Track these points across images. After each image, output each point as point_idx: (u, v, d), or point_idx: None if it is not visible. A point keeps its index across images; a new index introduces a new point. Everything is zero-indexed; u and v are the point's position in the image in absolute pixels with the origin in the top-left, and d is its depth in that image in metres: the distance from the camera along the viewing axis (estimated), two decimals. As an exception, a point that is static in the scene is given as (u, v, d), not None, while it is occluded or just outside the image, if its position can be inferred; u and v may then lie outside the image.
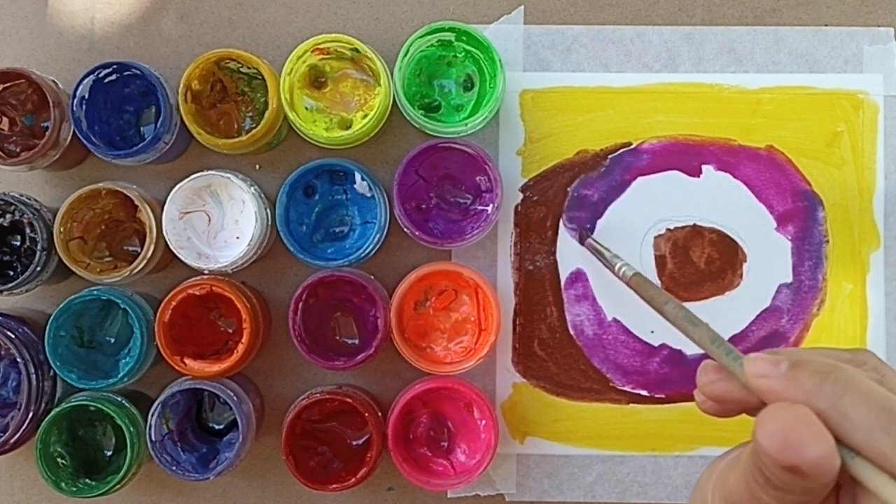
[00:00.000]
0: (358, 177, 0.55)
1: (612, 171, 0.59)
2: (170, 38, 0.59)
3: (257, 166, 0.59)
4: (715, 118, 0.59)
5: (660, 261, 0.58)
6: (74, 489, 0.53)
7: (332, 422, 0.57)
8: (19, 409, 0.53)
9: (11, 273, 0.55)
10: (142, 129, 0.58)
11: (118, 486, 0.53)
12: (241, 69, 0.56)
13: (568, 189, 0.59)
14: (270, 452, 0.58)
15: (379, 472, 0.56)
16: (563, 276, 0.58)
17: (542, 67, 0.59)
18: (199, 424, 0.57)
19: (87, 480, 0.54)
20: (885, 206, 0.58)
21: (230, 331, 0.57)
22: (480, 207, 0.57)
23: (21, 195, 0.54)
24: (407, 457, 0.54)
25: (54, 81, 0.55)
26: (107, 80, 0.54)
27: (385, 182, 0.57)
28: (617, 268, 0.49)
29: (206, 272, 0.54)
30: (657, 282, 0.58)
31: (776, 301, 0.58)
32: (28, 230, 0.54)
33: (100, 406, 0.52)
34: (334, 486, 0.53)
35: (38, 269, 0.53)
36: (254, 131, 0.53)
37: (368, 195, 0.56)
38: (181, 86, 0.53)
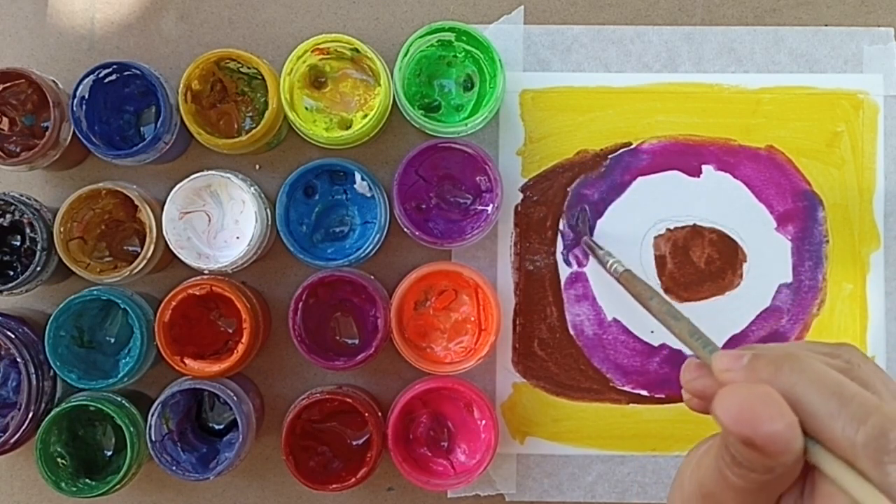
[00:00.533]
0: (358, 177, 0.55)
1: (612, 171, 0.59)
2: (170, 38, 0.59)
3: (257, 166, 0.59)
4: (715, 118, 0.59)
5: (660, 261, 0.58)
6: (74, 489, 0.53)
7: (332, 422, 0.57)
8: (19, 409, 0.53)
9: (11, 273, 0.55)
10: (142, 129, 0.58)
11: (118, 486, 0.53)
12: (241, 69, 0.56)
13: (568, 189, 0.59)
14: (270, 452, 0.58)
15: (379, 472, 0.56)
16: (563, 276, 0.58)
17: (542, 67, 0.59)
18: (199, 424, 0.57)
19: (87, 480, 0.54)
20: (885, 206, 0.58)
21: (230, 331, 0.57)
22: (480, 207, 0.57)
23: (21, 195, 0.54)
24: (407, 457, 0.54)
25: (54, 81, 0.55)
26: (107, 80, 0.54)
27: (385, 182, 0.57)
28: (608, 264, 0.50)
29: (206, 272, 0.54)
30: (657, 282, 0.58)
31: (776, 301, 0.58)
32: (28, 230, 0.54)
33: (100, 406, 0.52)
34: (334, 486, 0.53)
35: (38, 269, 0.53)
36: (254, 131, 0.53)
37: (368, 195, 0.56)
38: (181, 86, 0.53)
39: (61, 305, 0.53)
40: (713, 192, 0.58)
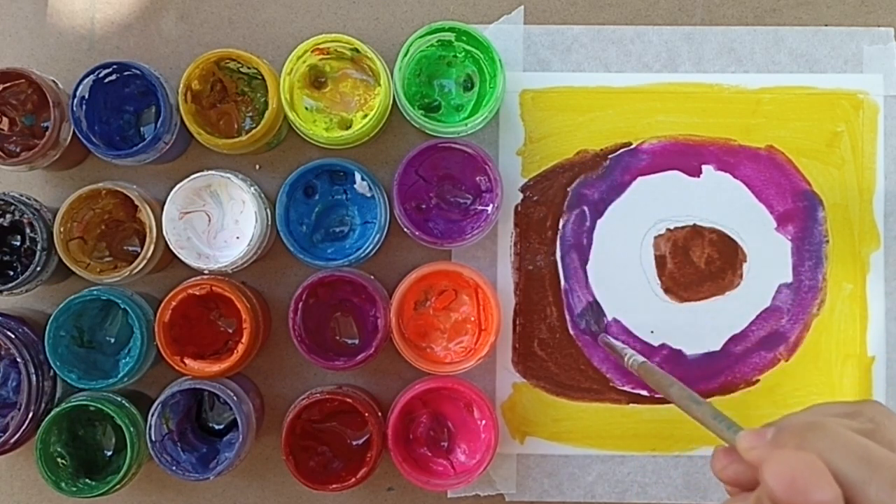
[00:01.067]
0: (358, 177, 0.55)
1: (612, 171, 0.59)
2: (170, 38, 0.59)
3: (257, 166, 0.59)
4: (715, 118, 0.59)
5: (660, 261, 0.58)
6: (74, 489, 0.53)
7: (332, 422, 0.57)
8: (19, 409, 0.53)
9: (11, 273, 0.55)
10: (142, 129, 0.58)
11: (118, 486, 0.53)
12: (241, 69, 0.56)
13: (568, 189, 0.59)
14: (270, 452, 0.58)
15: (379, 472, 0.56)
16: (563, 275, 0.58)
17: (542, 67, 0.59)
18: (199, 424, 0.57)
19: (87, 480, 0.54)
20: (885, 206, 0.58)
21: (230, 331, 0.57)
22: (480, 207, 0.57)
23: (21, 195, 0.54)
24: (407, 457, 0.54)
25: (54, 81, 0.55)
26: (107, 80, 0.54)
27: (385, 182, 0.57)
28: (626, 359, 0.51)
29: (206, 272, 0.54)
30: (657, 282, 0.58)
31: (776, 301, 0.58)
32: (28, 230, 0.54)
33: (100, 406, 0.52)
34: (334, 486, 0.53)
35: (38, 269, 0.53)
36: (254, 131, 0.53)
37: (368, 195, 0.56)
38: (181, 86, 0.53)
39: (61, 305, 0.53)
40: (713, 192, 0.58)
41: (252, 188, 0.54)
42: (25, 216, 0.53)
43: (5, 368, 0.56)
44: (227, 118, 0.57)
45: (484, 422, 0.55)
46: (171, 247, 0.53)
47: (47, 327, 0.52)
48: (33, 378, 0.53)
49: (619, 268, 0.58)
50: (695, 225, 0.59)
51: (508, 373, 0.58)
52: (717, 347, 0.58)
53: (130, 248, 0.56)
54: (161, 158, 0.55)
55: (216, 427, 0.58)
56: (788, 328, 0.58)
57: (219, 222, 0.55)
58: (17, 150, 0.55)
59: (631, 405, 0.58)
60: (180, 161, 0.59)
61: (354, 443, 0.57)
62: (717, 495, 0.58)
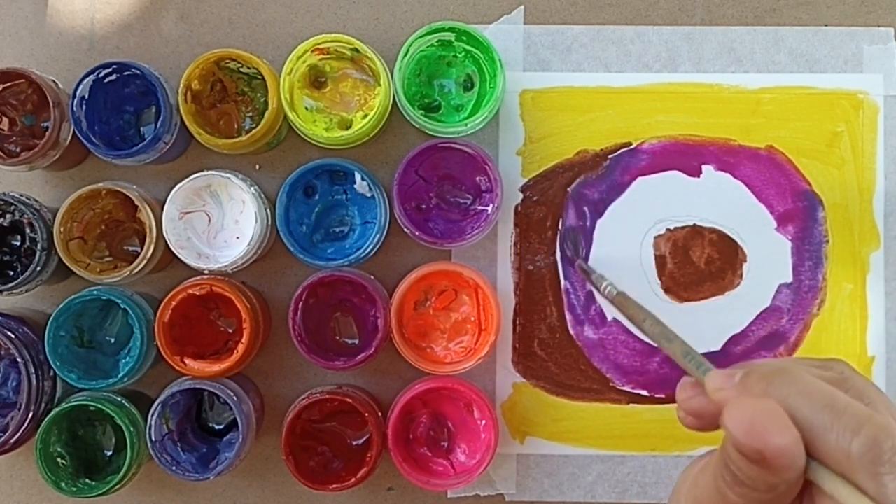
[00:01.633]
0: (358, 177, 0.55)
1: (612, 171, 0.59)
2: (170, 38, 0.59)
3: (257, 166, 0.59)
4: (715, 118, 0.59)
5: (660, 261, 0.58)
6: (74, 489, 0.53)
7: (332, 422, 0.57)
8: (19, 409, 0.53)
9: (11, 273, 0.55)
10: (142, 129, 0.58)
11: (118, 486, 0.53)
12: (241, 69, 0.56)
13: (568, 189, 0.59)
14: (270, 452, 0.58)
15: (379, 472, 0.56)
16: (563, 276, 0.58)
17: (542, 67, 0.59)
18: (199, 424, 0.57)
19: (87, 480, 0.54)
20: (885, 206, 0.58)
21: (230, 331, 0.57)
22: (480, 207, 0.57)
23: (21, 195, 0.54)
24: (407, 457, 0.54)
25: (54, 81, 0.55)
26: (107, 80, 0.54)
27: (385, 182, 0.57)
28: (602, 287, 0.51)
29: (206, 272, 0.54)
30: (657, 282, 0.58)
31: (776, 301, 0.58)
32: (28, 230, 0.54)
33: (100, 406, 0.52)
34: (334, 486, 0.53)
35: (38, 269, 0.53)
36: (254, 131, 0.53)
37: (368, 195, 0.56)
38: (181, 86, 0.53)
39: (61, 305, 0.53)
40: (713, 192, 0.58)
41: (252, 188, 0.54)
42: (25, 216, 0.53)
43: (5, 368, 0.56)
44: (227, 118, 0.57)
45: (484, 422, 0.55)
46: (171, 247, 0.53)
47: (47, 327, 0.52)
48: (33, 378, 0.53)
49: (619, 268, 0.58)
50: (695, 225, 0.59)
51: (508, 373, 0.58)
52: (717, 347, 0.58)
53: (130, 248, 0.56)
54: (161, 158, 0.55)
55: (216, 427, 0.58)
56: (788, 328, 0.58)
57: (219, 222, 0.55)
58: (17, 150, 0.55)
59: (631, 405, 0.58)
60: (180, 161, 0.59)
61: (354, 443, 0.57)
62: (717, 495, 0.58)
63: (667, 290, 0.58)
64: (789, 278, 0.58)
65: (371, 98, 0.56)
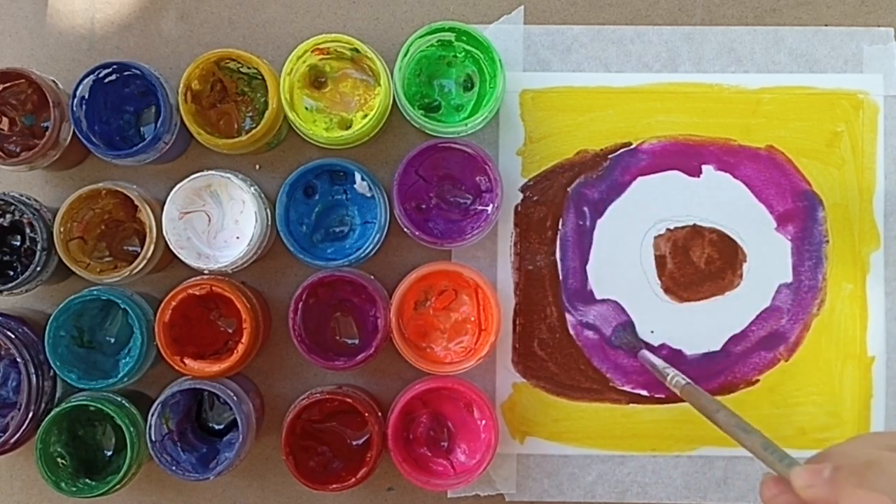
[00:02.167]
0: (358, 177, 0.55)
1: (612, 171, 0.59)
2: (170, 38, 0.59)
3: (257, 166, 0.59)
4: (715, 118, 0.59)
5: (660, 261, 0.58)
6: (74, 489, 0.53)
7: (332, 422, 0.57)
8: (19, 409, 0.53)
9: (11, 273, 0.55)
10: (142, 129, 0.58)
11: (118, 486, 0.53)
12: (241, 69, 0.56)
13: (568, 189, 0.59)
14: (270, 452, 0.58)
15: (379, 472, 0.56)
16: (563, 276, 0.58)
17: (542, 67, 0.59)
18: (199, 424, 0.57)
19: (87, 480, 0.54)
20: (885, 206, 0.58)
21: (230, 331, 0.57)
22: (480, 207, 0.57)
23: (21, 195, 0.54)
24: (407, 457, 0.54)
25: (54, 81, 0.55)
26: (107, 80, 0.54)
27: (385, 182, 0.57)
28: (669, 378, 0.50)
29: (206, 272, 0.54)
30: (657, 282, 0.58)
31: (776, 301, 0.58)
32: (28, 230, 0.54)
33: (100, 406, 0.52)
34: (334, 486, 0.53)
35: (38, 269, 0.53)
36: (254, 131, 0.53)
37: (368, 195, 0.56)
38: (181, 86, 0.53)
39: (61, 305, 0.53)
40: (713, 192, 0.58)
41: (252, 188, 0.54)
42: (25, 216, 0.53)
43: (5, 368, 0.56)
44: (227, 118, 0.57)
45: (484, 422, 0.55)
46: (171, 247, 0.53)
47: (47, 327, 0.52)
48: (33, 378, 0.53)
49: (620, 268, 0.58)
50: (695, 225, 0.59)
51: (508, 373, 0.58)
52: (717, 347, 0.58)
53: (130, 248, 0.56)
54: (161, 158, 0.55)
55: (216, 427, 0.58)
56: (788, 328, 0.58)
57: (219, 222, 0.55)
58: (17, 150, 0.55)
59: (631, 405, 0.58)
60: (180, 161, 0.59)
61: (354, 443, 0.57)
62: (717, 495, 0.58)
63: (667, 290, 0.58)
64: (789, 278, 0.58)
65: (371, 98, 0.56)
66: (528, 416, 0.58)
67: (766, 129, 0.59)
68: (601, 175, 0.59)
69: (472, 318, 0.56)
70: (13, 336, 0.53)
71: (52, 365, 0.53)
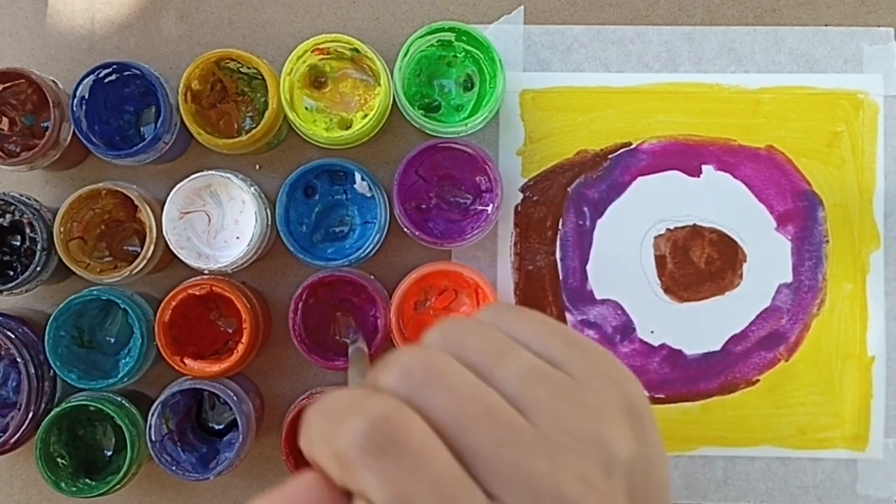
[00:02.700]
0: (358, 177, 0.55)
1: (612, 171, 0.59)
2: (170, 38, 0.59)
3: (257, 166, 0.59)
4: (715, 118, 0.59)
5: (660, 261, 0.58)
6: (74, 489, 0.53)
7: (332, 422, 0.57)
8: (19, 409, 0.53)
9: (11, 273, 0.55)
10: (142, 129, 0.58)
11: (118, 486, 0.53)
12: (241, 69, 0.56)
13: (568, 189, 0.59)
14: (270, 452, 0.58)
15: (379, 472, 0.56)
16: (563, 276, 0.58)
17: (542, 67, 0.59)
18: (199, 424, 0.57)
19: (87, 480, 0.54)
20: (885, 206, 0.58)
21: (230, 331, 0.57)
22: (480, 207, 0.57)
23: (21, 195, 0.54)
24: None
25: (54, 81, 0.55)
26: (107, 80, 0.54)
27: (385, 182, 0.57)
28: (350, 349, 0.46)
29: (206, 272, 0.54)
30: (657, 282, 0.58)
31: (776, 301, 0.58)
32: (28, 230, 0.54)
33: (100, 406, 0.52)
34: (334, 486, 0.52)
35: (38, 269, 0.53)
36: (254, 131, 0.53)
37: (368, 195, 0.56)
38: (181, 86, 0.53)
39: (61, 305, 0.53)
40: (713, 192, 0.58)
41: (252, 188, 0.54)
42: (25, 216, 0.53)
43: (5, 368, 0.56)
44: (227, 118, 0.57)
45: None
46: (171, 247, 0.53)
47: (47, 327, 0.52)
48: (33, 378, 0.53)
49: (619, 268, 0.58)
50: (695, 225, 0.59)
51: (508, 373, 0.58)
52: (717, 347, 0.58)
53: (130, 248, 0.56)
54: (161, 158, 0.55)
55: (216, 427, 0.58)
56: (788, 328, 0.58)
57: (219, 222, 0.55)
58: (17, 150, 0.55)
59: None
60: (180, 161, 0.59)
61: (354, 443, 0.57)
62: (717, 495, 0.58)
63: (667, 290, 0.58)
64: (789, 278, 0.58)
65: (371, 98, 0.56)
66: (528, 416, 0.58)
67: (766, 129, 0.59)
68: (601, 175, 0.59)
69: (472, 318, 0.56)
70: (13, 336, 0.53)
71: (52, 365, 0.53)
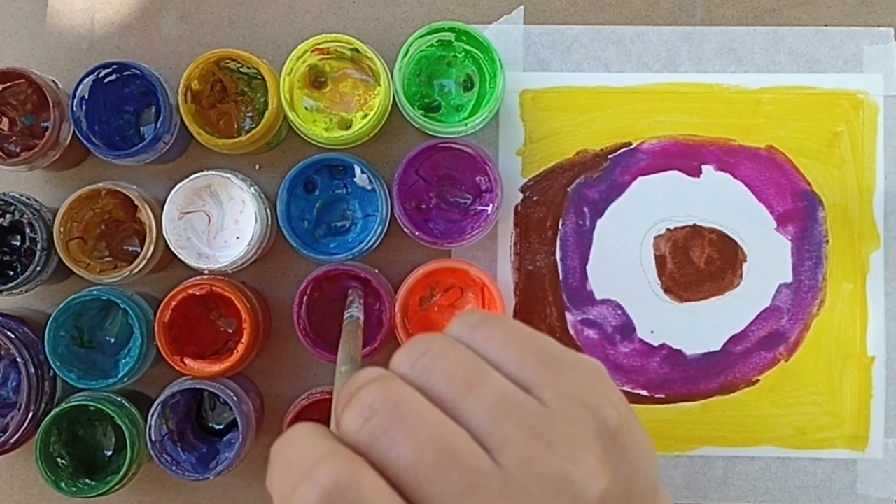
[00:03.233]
0: (357, 170, 0.55)
1: (612, 171, 0.59)
2: (170, 38, 0.59)
3: (257, 166, 0.59)
4: (715, 118, 0.59)
5: (660, 261, 0.58)
6: (74, 489, 0.53)
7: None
8: (19, 409, 0.53)
9: (11, 273, 0.55)
10: (142, 129, 0.58)
11: (118, 486, 0.53)
12: (241, 69, 0.56)
13: (568, 189, 0.59)
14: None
15: (379, 472, 0.56)
16: (563, 276, 0.58)
17: (542, 67, 0.59)
18: (199, 424, 0.57)
19: (87, 480, 0.54)
20: (885, 206, 0.58)
21: (230, 331, 0.57)
22: (480, 207, 0.57)
23: (21, 195, 0.54)
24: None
25: (54, 81, 0.55)
26: (107, 80, 0.54)
27: (385, 181, 0.57)
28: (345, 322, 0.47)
29: (206, 272, 0.54)
30: (657, 282, 0.58)
31: (776, 301, 0.58)
32: (28, 230, 0.54)
33: (100, 406, 0.52)
34: (334, 486, 0.52)
35: (38, 269, 0.53)
36: (254, 131, 0.53)
37: (369, 188, 0.56)
38: (181, 86, 0.53)
39: (61, 305, 0.53)
40: (713, 192, 0.58)
41: (252, 188, 0.54)
42: (25, 216, 0.53)
43: (5, 368, 0.56)
44: (227, 118, 0.57)
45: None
46: (171, 247, 0.53)
47: (47, 327, 0.52)
48: (33, 378, 0.53)
49: (619, 268, 0.58)
50: (695, 225, 0.59)
51: (508, 373, 0.58)
52: (717, 347, 0.58)
53: (130, 248, 0.56)
54: (161, 158, 0.55)
55: (216, 427, 0.58)
56: (788, 328, 0.58)
57: (219, 222, 0.55)
58: (17, 150, 0.55)
59: (631, 405, 0.58)
60: (180, 161, 0.59)
61: (354, 443, 0.57)
62: (717, 495, 0.58)
63: (667, 290, 0.58)
64: (789, 278, 0.58)
65: (371, 98, 0.56)
66: (528, 416, 0.58)
67: (766, 129, 0.59)
68: (601, 175, 0.59)
69: (474, 318, 0.56)
70: (13, 336, 0.53)
71: (52, 365, 0.53)
